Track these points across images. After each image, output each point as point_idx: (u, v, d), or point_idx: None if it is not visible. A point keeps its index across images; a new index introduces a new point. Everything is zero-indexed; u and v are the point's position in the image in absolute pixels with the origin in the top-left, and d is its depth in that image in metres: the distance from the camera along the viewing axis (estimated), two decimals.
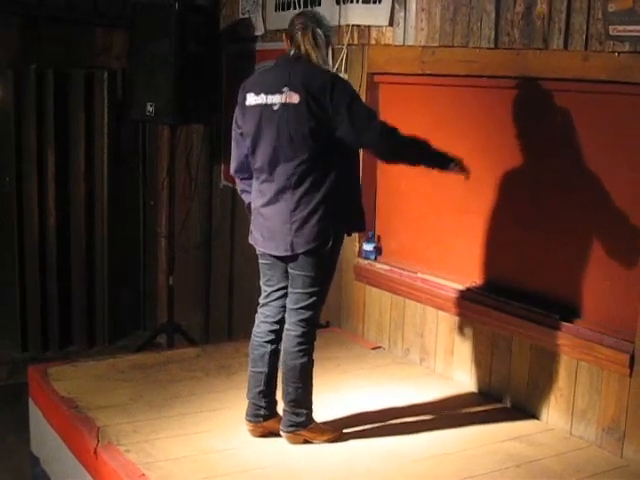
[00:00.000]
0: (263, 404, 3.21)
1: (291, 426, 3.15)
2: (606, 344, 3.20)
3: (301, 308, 3.11)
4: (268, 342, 3.21)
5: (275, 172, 3.04)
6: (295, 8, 4.64)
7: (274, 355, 3.21)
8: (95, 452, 3.03)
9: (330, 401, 3.45)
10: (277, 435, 3.19)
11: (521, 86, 3.49)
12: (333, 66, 4.10)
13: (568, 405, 3.38)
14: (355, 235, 4.12)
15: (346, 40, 4.22)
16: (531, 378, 3.53)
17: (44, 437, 3.58)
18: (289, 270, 3.12)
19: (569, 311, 3.39)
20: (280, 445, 3.15)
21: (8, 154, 5.36)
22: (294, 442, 3.16)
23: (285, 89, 2.97)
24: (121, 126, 5.65)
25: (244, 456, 3.06)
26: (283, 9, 4.78)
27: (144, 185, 6.00)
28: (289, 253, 3.05)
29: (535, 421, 3.49)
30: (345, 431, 3.26)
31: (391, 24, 4.04)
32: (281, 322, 3.20)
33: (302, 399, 3.13)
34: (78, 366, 3.89)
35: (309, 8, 4.51)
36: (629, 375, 3.13)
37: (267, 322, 3.22)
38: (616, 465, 3.13)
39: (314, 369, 3.17)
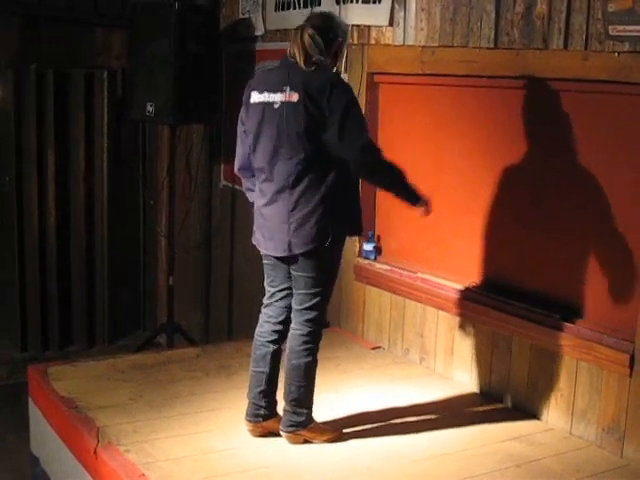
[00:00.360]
0: (263, 404, 3.21)
1: (291, 426, 3.15)
2: (606, 344, 3.20)
3: (306, 309, 3.11)
4: (271, 342, 3.22)
5: (274, 171, 3.05)
6: (295, 8, 4.65)
7: (276, 355, 3.22)
8: (95, 452, 3.03)
9: (330, 401, 3.45)
10: (277, 435, 3.19)
11: (521, 86, 3.48)
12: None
13: (568, 405, 3.38)
14: None
15: None
16: (531, 378, 3.53)
17: (44, 437, 3.58)
18: (291, 271, 3.13)
19: (569, 311, 3.39)
20: (280, 445, 3.15)
21: (8, 154, 5.36)
22: (294, 442, 3.16)
23: (286, 88, 2.99)
24: (121, 126, 5.65)
25: (244, 456, 3.06)
26: (283, 9, 4.78)
27: (144, 185, 6.00)
28: (287, 254, 3.06)
29: (535, 421, 3.49)
30: (345, 431, 3.26)
31: (391, 24, 4.04)
32: (284, 322, 3.20)
33: (304, 398, 3.14)
34: (78, 366, 3.89)
35: (309, 8, 4.52)
36: (629, 375, 3.13)
37: (270, 322, 3.23)
38: (616, 465, 3.13)
39: None
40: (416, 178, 3.62)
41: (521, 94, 3.50)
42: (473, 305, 3.74)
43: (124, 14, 5.42)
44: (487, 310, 3.67)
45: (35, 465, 3.72)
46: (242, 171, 3.27)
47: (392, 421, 3.41)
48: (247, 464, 3.00)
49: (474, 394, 3.76)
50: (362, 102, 4.00)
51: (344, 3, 4.25)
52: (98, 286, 5.70)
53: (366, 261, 4.32)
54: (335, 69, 3.19)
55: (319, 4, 4.45)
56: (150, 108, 4.89)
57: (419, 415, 3.48)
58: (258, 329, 3.26)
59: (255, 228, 3.21)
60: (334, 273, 3.19)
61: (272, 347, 3.21)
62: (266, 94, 3.06)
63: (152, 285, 6.16)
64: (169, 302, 5.36)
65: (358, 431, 3.29)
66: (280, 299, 3.21)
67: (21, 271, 5.48)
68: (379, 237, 4.36)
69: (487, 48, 3.57)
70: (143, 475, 2.84)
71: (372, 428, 3.34)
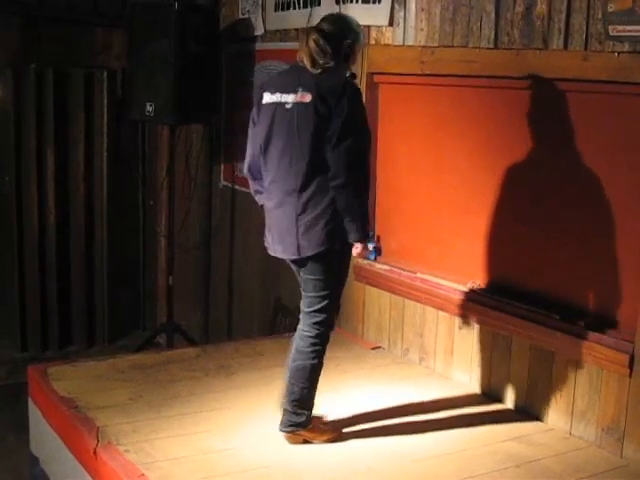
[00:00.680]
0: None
1: (291, 426, 3.15)
2: (606, 344, 3.20)
3: (314, 311, 3.12)
4: None
5: (283, 173, 3.05)
6: (295, 8, 4.64)
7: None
8: (95, 452, 3.03)
9: (330, 401, 3.45)
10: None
11: (521, 86, 3.48)
12: None
13: (568, 405, 3.38)
14: None
15: None
16: (531, 378, 3.53)
17: (43, 437, 3.58)
18: (301, 274, 3.13)
19: (569, 311, 3.39)
20: (280, 445, 3.15)
21: (8, 153, 5.36)
22: (293, 442, 3.16)
23: (299, 89, 2.99)
24: (121, 126, 5.64)
25: (244, 456, 3.06)
26: (283, 9, 4.77)
27: (144, 185, 6.00)
28: (296, 257, 3.06)
29: (535, 421, 3.49)
30: (345, 431, 3.26)
31: (391, 24, 4.04)
32: None
33: (306, 400, 3.14)
34: (78, 366, 3.89)
35: (308, 8, 4.52)
36: (629, 375, 3.13)
37: None
38: (616, 465, 3.13)
39: None
40: (416, 178, 3.64)
41: (521, 94, 3.50)
42: (473, 305, 3.74)
43: (124, 14, 5.41)
44: (487, 310, 3.67)
45: (34, 465, 3.72)
46: (251, 172, 3.26)
47: (392, 421, 3.41)
48: (247, 464, 3.00)
49: (474, 394, 3.75)
50: None
51: (344, 3, 4.25)
52: (98, 286, 5.70)
53: (366, 261, 4.32)
54: (349, 72, 3.14)
55: (319, 4, 4.45)
56: (150, 108, 4.89)
57: (419, 415, 3.47)
58: (299, 326, 3.21)
59: (266, 230, 3.22)
60: (343, 276, 3.19)
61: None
62: (278, 95, 3.06)
63: (152, 285, 6.16)
64: (169, 302, 5.36)
65: (358, 431, 3.29)
66: None
67: (21, 271, 5.48)
68: (379, 237, 4.35)
69: (487, 48, 3.57)
70: (143, 475, 2.84)
71: (372, 428, 3.34)
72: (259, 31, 5.02)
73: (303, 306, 3.16)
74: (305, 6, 4.56)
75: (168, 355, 4.18)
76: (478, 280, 3.79)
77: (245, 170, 3.29)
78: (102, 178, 5.57)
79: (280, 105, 3.04)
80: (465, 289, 3.79)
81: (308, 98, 2.96)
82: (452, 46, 3.74)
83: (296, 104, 2.99)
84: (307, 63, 3.01)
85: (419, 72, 3.90)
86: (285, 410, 3.16)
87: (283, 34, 4.83)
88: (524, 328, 3.50)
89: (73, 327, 5.68)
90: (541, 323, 3.43)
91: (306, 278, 3.11)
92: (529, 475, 3.02)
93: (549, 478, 3.02)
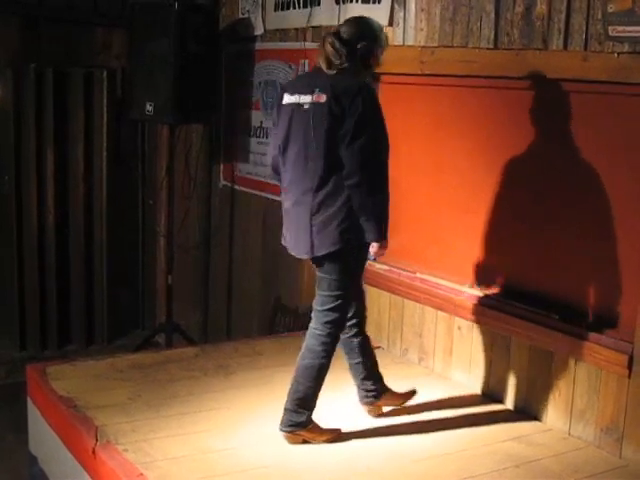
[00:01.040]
0: (371, 387, 3.40)
1: (290, 425, 3.15)
2: (605, 344, 3.20)
3: (327, 310, 3.14)
4: (353, 336, 3.36)
5: (300, 173, 3.09)
6: (295, 8, 4.65)
7: (364, 343, 3.40)
8: (93, 451, 3.03)
9: (329, 401, 3.45)
10: (396, 409, 3.44)
11: (520, 86, 3.48)
12: None
13: (567, 405, 3.38)
14: None
15: None
16: (530, 378, 3.53)
17: (42, 436, 3.58)
18: (317, 272, 3.16)
19: (568, 311, 3.39)
20: (279, 445, 3.15)
21: (7, 153, 5.35)
22: (293, 442, 3.16)
23: (316, 90, 3.04)
24: (120, 125, 5.64)
25: (243, 456, 3.06)
26: (282, 9, 4.78)
27: (143, 184, 6.00)
28: (310, 256, 3.11)
29: (534, 421, 3.49)
30: (344, 431, 3.26)
31: (391, 24, 4.04)
32: (355, 315, 3.34)
33: (309, 399, 3.15)
34: (77, 365, 3.89)
35: (308, 8, 4.52)
36: (628, 376, 3.12)
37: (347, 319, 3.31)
38: (615, 465, 3.13)
39: None
40: (416, 178, 3.64)
41: (521, 94, 3.50)
42: (472, 305, 3.74)
43: (124, 14, 5.41)
44: (486, 310, 3.67)
45: (33, 464, 3.71)
46: (273, 173, 3.33)
47: (391, 421, 3.42)
48: (246, 464, 2.99)
49: (473, 394, 3.75)
50: None
51: (343, 3, 4.25)
52: (97, 285, 5.70)
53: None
54: (369, 74, 3.17)
55: (318, 4, 4.46)
56: (149, 107, 4.89)
57: (418, 415, 3.48)
58: (307, 338, 3.25)
59: (284, 229, 3.26)
60: (357, 277, 3.22)
61: (356, 340, 3.37)
62: (297, 96, 3.11)
63: (151, 285, 6.16)
64: (168, 302, 5.36)
65: (357, 431, 3.29)
66: None
67: (20, 270, 5.48)
68: None
69: (487, 48, 3.57)
70: (141, 474, 2.84)
71: (371, 428, 3.34)
72: (259, 31, 5.02)
73: (316, 304, 3.19)
74: (305, 6, 4.57)
75: (167, 355, 4.18)
76: (477, 280, 3.79)
77: (271, 172, 3.37)
78: (102, 178, 5.57)
79: (298, 106, 3.09)
80: (464, 289, 3.79)
81: (323, 99, 3.00)
82: (452, 46, 3.74)
83: (312, 104, 3.03)
84: (323, 65, 3.07)
85: (419, 72, 3.90)
86: (286, 409, 3.16)
87: (283, 34, 4.83)
88: (523, 328, 3.50)
89: (72, 326, 5.68)
90: (540, 323, 3.43)
91: (321, 276, 3.14)
92: (528, 475, 3.02)
93: (548, 478, 3.02)
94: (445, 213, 3.93)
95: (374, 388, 3.43)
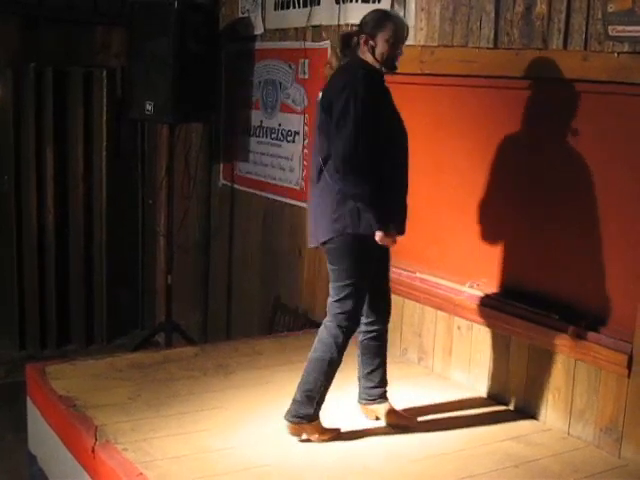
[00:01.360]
0: (371, 387, 3.43)
1: (296, 416, 3.15)
2: (604, 344, 3.20)
3: (336, 301, 3.18)
4: (370, 339, 3.42)
5: (311, 167, 3.28)
6: (295, 7, 4.65)
7: (380, 340, 3.44)
8: (93, 451, 3.03)
9: (329, 400, 3.45)
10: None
11: (520, 86, 3.48)
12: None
13: (566, 405, 3.38)
14: None
15: None
16: (529, 378, 3.53)
17: (42, 436, 3.58)
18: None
19: (568, 311, 3.39)
20: (279, 444, 3.15)
21: (7, 153, 5.36)
22: (293, 433, 3.16)
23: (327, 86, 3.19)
24: (120, 125, 5.64)
25: (243, 455, 3.06)
26: (282, 8, 4.78)
27: (143, 184, 5.99)
28: (311, 244, 3.26)
29: (533, 421, 3.49)
30: (343, 430, 3.26)
31: None
32: (374, 323, 3.39)
33: (318, 393, 3.15)
34: (76, 365, 3.89)
35: (308, 8, 4.52)
36: (627, 376, 3.13)
37: (363, 323, 3.36)
38: (614, 465, 3.13)
39: None
40: (416, 178, 3.62)
41: (521, 94, 3.50)
42: (472, 305, 3.74)
43: (124, 13, 5.40)
44: (486, 310, 3.67)
45: (33, 464, 3.71)
46: None
47: None
48: (246, 463, 2.99)
49: (472, 394, 3.75)
50: None
51: (343, 2, 4.25)
52: (97, 285, 5.70)
53: None
54: (378, 65, 3.19)
55: (318, 3, 4.46)
56: (149, 107, 4.89)
57: (417, 415, 3.47)
58: (320, 330, 3.27)
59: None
60: (361, 270, 3.17)
61: (374, 343, 3.42)
62: (321, 93, 3.23)
63: (151, 284, 6.16)
64: (168, 301, 5.35)
65: (357, 431, 3.29)
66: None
67: (20, 270, 5.48)
68: None
69: (487, 48, 3.57)
70: (141, 474, 2.84)
71: (371, 428, 3.34)
72: (259, 30, 5.02)
73: (329, 297, 3.23)
74: (305, 5, 4.57)
75: (167, 354, 4.18)
76: (477, 280, 3.79)
77: None
78: (101, 177, 5.57)
79: (319, 103, 3.21)
80: (464, 289, 3.79)
81: (321, 94, 3.18)
82: (452, 46, 3.74)
83: (318, 101, 3.20)
84: (340, 56, 3.28)
85: (419, 72, 3.90)
86: (294, 400, 3.16)
87: (283, 33, 4.83)
88: (523, 328, 3.50)
89: (72, 326, 5.69)
90: (540, 323, 3.43)
91: (328, 268, 3.22)
92: (527, 475, 3.02)
93: (547, 478, 3.02)
94: (445, 213, 3.93)
95: (375, 390, 3.42)
